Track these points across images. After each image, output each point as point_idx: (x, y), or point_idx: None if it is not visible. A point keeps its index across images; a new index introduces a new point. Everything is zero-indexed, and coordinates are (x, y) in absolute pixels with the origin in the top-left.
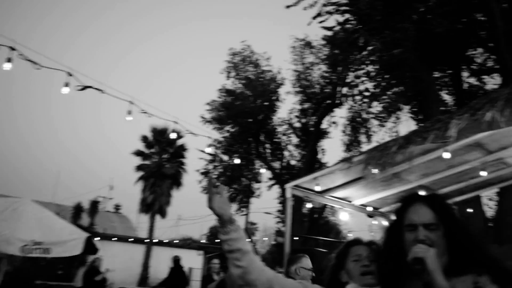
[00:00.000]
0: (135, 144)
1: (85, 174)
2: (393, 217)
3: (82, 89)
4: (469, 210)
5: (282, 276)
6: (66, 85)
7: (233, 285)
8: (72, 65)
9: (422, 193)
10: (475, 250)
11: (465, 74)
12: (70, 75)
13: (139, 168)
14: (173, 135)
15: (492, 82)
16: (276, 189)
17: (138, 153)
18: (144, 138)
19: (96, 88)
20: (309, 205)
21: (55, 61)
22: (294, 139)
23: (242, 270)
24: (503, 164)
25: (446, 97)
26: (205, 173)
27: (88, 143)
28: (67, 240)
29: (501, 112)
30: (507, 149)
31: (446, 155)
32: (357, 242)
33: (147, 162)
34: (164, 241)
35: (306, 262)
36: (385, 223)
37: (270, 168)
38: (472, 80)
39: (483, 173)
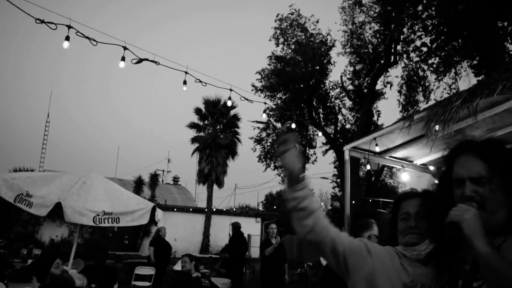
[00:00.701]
0: (190, 117)
1: (143, 148)
2: (442, 169)
3: (138, 62)
4: None
5: (345, 234)
6: (123, 59)
7: (291, 247)
8: (126, 39)
9: (474, 139)
10: None
11: None
12: (126, 49)
13: (194, 140)
14: (229, 103)
15: None
16: (331, 154)
17: (193, 126)
18: (198, 111)
19: (151, 60)
20: (368, 167)
21: (110, 36)
22: (348, 102)
23: (308, 229)
24: None
25: (511, 48)
26: (259, 141)
27: (145, 117)
28: (135, 210)
29: None
30: None
31: None
32: (407, 196)
33: (201, 134)
34: (223, 210)
35: (376, 229)
36: None
37: (324, 133)
38: None
39: None
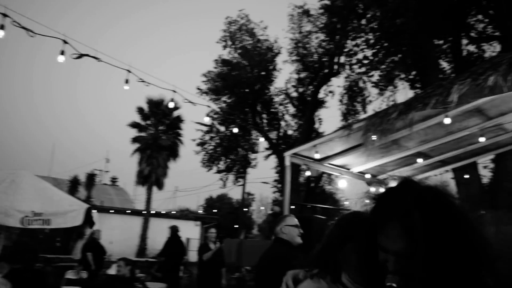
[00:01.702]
0: (131, 116)
1: (80, 147)
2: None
3: (78, 57)
4: (466, 176)
5: None
6: (62, 53)
7: (230, 252)
8: (67, 32)
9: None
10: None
11: (464, 41)
12: (66, 42)
13: (135, 140)
14: (171, 105)
15: (491, 49)
16: (273, 159)
17: (134, 125)
18: (140, 110)
19: (92, 56)
20: (307, 173)
21: (49, 28)
22: (291, 109)
23: None
24: (502, 130)
25: (445, 64)
26: (202, 144)
27: (84, 114)
28: (67, 211)
29: (504, 76)
30: (507, 114)
31: (447, 121)
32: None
33: (143, 134)
34: (162, 212)
35: (291, 219)
36: (382, 190)
37: (267, 138)
38: (471, 48)
39: (482, 139)
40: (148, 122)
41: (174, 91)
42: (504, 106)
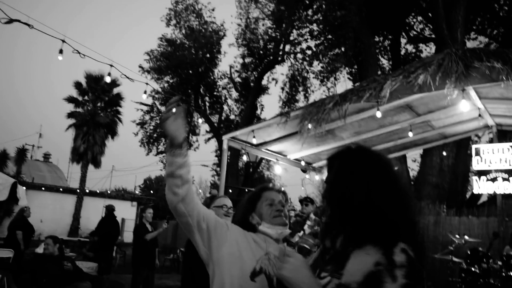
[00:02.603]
0: (68, 90)
1: (11, 119)
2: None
3: (8, 22)
4: (395, 168)
5: (211, 212)
6: None
7: (165, 233)
8: None
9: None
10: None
11: (403, 40)
12: None
13: (72, 115)
14: (107, 79)
15: (428, 50)
16: (213, 143)
17: (71, 100)
18: (78, 85)
19: (24, 23)
20: (245, 158)
21: None
22: (234, 94)
23: (179, 198)
24: (429, 127)
25: (384, 61)
26: (142, 124)
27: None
28: None
29: (432, 76)
30: (434, 112)
31: (378, 114)
32: (270, 188)
33: (80, 109)
34: (97, 191)
35: (219, 200)
36: (317, 177)
37: (208, 121)
38: (410, 48)
39: (410, 134)
40: (86, 97)
41: (111, 65)
42: (432, 104)
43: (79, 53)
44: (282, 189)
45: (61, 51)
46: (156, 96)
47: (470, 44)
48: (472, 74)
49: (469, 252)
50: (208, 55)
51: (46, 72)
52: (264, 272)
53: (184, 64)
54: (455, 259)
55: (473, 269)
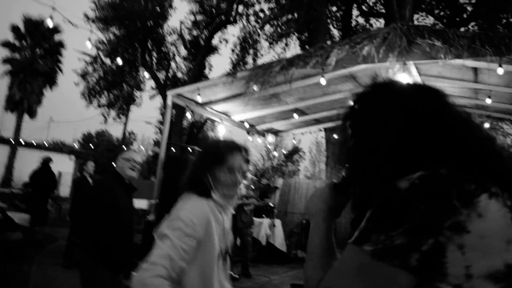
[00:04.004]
0: (4, 34)
1: None
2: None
3: None
4: (336, 136)
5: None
6: None
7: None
8: None
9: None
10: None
11: (356, 13)
12: None
13: (7, 61)
14: (49, 22)
15: (378, 25)
16: (158, 100)
17: (7, 44)
18: (15, 29)
19: None
20: (189, 115)
21: None
22: (183, 51)
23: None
24: None
25: (335, 32)
26: (84, 75)
27: None
28: None
29: (377, 48)
30: None
31: (323, 82)
32: (236, 149)
33: (17, 55)
34: (32, 142)
35: (128, 153)
36: (260, 140)
37: (154, 77)
38: (361, 20)
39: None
40: (24, 43)
41: (54, 8)
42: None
43: None
44: (247, 148)
45: None
46: (101, 47)
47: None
48: (414, 50)
49: None
50: (158, 9)
51: None
52: None
53: (132, 16)
54: None
55: None
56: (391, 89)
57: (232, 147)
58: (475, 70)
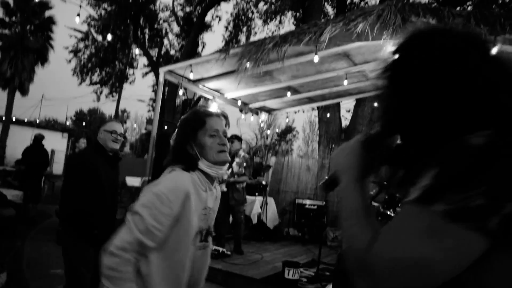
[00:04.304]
0: None
1: None
2: None
3: None
4: (328, 115)
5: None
6: None
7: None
8: None
9: None
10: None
11: None
12: None
13: None
14: None
15: (374, 2)
16: (151, 77)
17: None
18: (5, 4)
19: None
20: (181, 92)
21: None
22: (176, 28)
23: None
24: (363, 77)
25: (329, 9)
26: (76, 52)
27: None
28: None
29: (371, 25)
30: (370, 63)
31: (316, 59)
32: (213, 113)
33: (6, 31)
34: (24, 120)
35: (110, 124)
36: (252, 118)
37: (147, 54)
38: None
39: (345, 82)
40: (14, 19)
41: None
42: (368, 54)
43: None
44: (225, 113)
45: None
46: (92, 23)
47: None
48: (408, 28)
49: (386, 197)
50: None
51: None
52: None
53: None
54: (374, 203)
55: (388, 212)
56: (442, 37)
57: (209, 111)
58: None
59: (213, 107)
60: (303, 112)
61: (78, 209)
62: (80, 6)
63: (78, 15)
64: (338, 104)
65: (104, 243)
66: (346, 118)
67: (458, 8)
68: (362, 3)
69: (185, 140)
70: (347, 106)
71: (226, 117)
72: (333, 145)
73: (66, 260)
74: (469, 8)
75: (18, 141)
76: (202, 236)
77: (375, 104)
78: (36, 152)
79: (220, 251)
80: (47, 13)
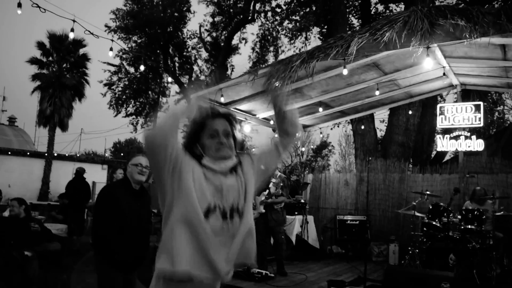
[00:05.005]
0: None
1: None
2: None
3: None
4: (362, 127)
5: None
6: None
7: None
8: None
9: None
10: None
11: (374, 0)
12: None
13: (36, 77)
14: (71, 35)
15: (398, 10)
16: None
17: (35, 61)
18: (41, 45)
19: None
20: None
21: None
22: (204, 54)
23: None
24: (395, 86)
25: (354, 21)
26: (110, 85)
27: None
28: None
29: (398, 33)
30: (400, 71)
31: (345, 72)
32: (214, 115)
33: (45, 71)
34: (65, 155)
35: (135, 159)
36: None
37: (178, 82)
38: (380, 7)
39: (377, 93)
40: (51, 58)
41: (74, 21)
42: (398, 62)
43: (38, 7)
44: (228, 112)
45: (19, 5)
46: (124, 56)
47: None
48: (436, 31)
49: (430, 207)
50: (176, 14)
51: (5, 32)
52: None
53: (152, 23)
54: (417, 213)
55: (434, 222)
56: None
57: (209, 114)
58: (504, 47)
59: (246, 129)
60: (337, 126)
61: (99, 235)
62: (112, 41)
63: (111, 49)
64: (371, 115)
65: (132, 267)
66: (380, 129)
67: (486, 6)
68: (387, 12)
69: (192, 142)
70: (381, 116)
71: (227, 117)
72: (369, 158)
73: (98, 284)
74: (499, 4)
75: (61, 175)
76: (225, 214)
77: (410, 112)
78: (78, 185)
79: (263, 273)
80: (81, 51)
